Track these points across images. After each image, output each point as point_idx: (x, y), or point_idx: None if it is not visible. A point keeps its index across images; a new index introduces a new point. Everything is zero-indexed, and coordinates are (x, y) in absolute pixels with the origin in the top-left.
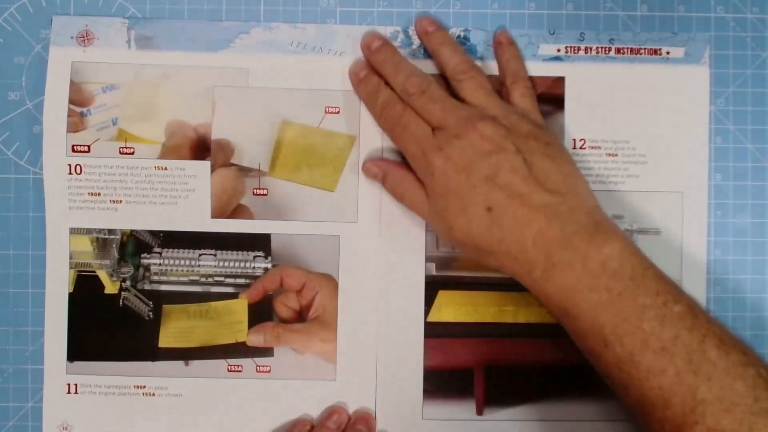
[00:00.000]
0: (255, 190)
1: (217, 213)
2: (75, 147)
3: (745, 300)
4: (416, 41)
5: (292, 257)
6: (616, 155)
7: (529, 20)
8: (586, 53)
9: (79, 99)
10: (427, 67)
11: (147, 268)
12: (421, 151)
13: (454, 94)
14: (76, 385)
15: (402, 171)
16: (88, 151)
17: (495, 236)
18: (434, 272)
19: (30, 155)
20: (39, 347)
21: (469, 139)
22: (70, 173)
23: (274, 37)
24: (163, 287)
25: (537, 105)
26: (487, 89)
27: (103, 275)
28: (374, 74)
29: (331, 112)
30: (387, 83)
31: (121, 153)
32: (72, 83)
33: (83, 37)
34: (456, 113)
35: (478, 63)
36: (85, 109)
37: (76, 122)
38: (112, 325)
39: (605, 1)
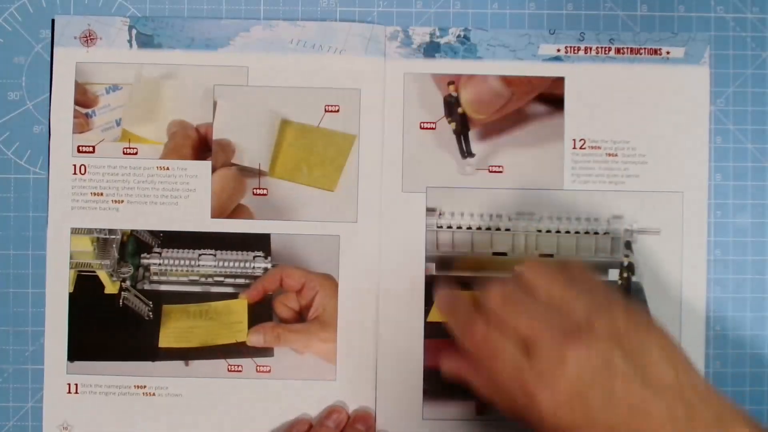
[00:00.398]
0: (255, 190)
1: (217, 213)
2: (80, 148)
3: (745, 300)
4: (416, 41)
5: (292, 257)
6: (616, 155)
7: (529, 20)
8: (586, 53)
9: (84, 100)
10: (427, 66)
11: (147, 268)
12: (518, 384)
13: None
14: (76, 385)
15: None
16: (93, 152)
17: None
18: (434, 272)
19: (30, 155)
20: (39, 347)
21: (573, 362)
22: (75, 173)
23: (274, 35)
24: (163, 287)
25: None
26: (557, 272)
27: (103, 275)
28: (458, 295)
29: (331, 111)
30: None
31: (124, 153)
32: (77, 84)
33: (86, 37)
34: (546, 322)
35: (478, 63)
36: (90, 110)
37: (81, 123)
38: (112, 325)
39: (605, 1)
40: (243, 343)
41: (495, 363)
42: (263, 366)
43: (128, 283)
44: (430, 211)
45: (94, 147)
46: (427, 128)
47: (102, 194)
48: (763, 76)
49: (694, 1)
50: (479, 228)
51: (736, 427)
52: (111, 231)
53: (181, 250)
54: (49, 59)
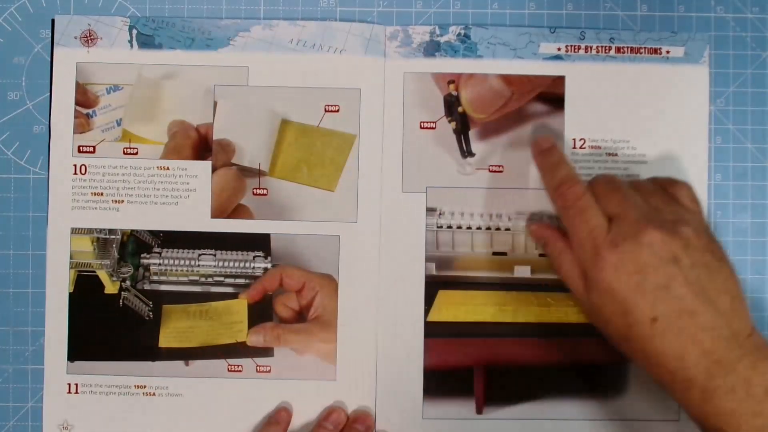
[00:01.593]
0: (255, 190)
1: (217, 213)
2: (81, 148)
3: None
4: (416, 40)
5: (292, 257)
6: (616, 155)
7: (529, 20)
8: (586, 52)
9: (84, 100)
10: (427, 65)
11: (147, 268)
12: (592, 242)
13: None
14: (76, 384)
15: (561, 243)
16: (93, 152)
17: (654, 347)
18: (434, 272)
19: (30, 155)
20: (39, 347)
21: (647, 240)
22: (75, 173)
23: (273, 35)
24: (163, 287)
25: (702, 206)
26: (664, 193)
27: (103, 275)
28: (558, 149)
29: (331, 111)
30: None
31: (125, 153)
32: (77, 85)
33: (86, 37)
34: (638, 208)
35: (478, 62)
36: (90, 110)
37: (82, 123)
38: (112, 325)
39: (605, 1)
40: (243, 343)
41: (580, 220)
42: (263, 366)
43: (128, 283)
44: (430, 210)
45: (94, 147)
46: (427, 128)
47: (102, 194)
48: (763, 76)
49: (694, 1)
50: (479, 228)
51: None
52: (111, 231)
53: (181, 250)
54: (49, 59)
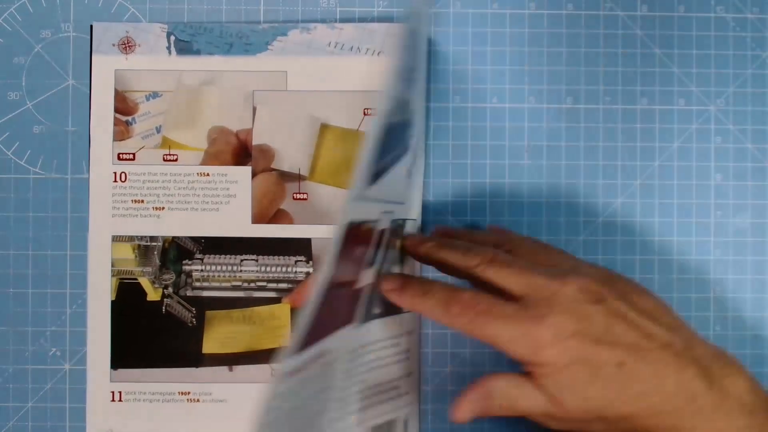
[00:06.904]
0: (295, 195)
1: (258, 218)
2: (120, 155)
3: (745, 300)
4: None
5: None
6: None
7: (530, 20)
8: None
9: (124, 108)
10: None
11: (189, 274)
12: (519, 332)
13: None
14: (120, 392)
15: (498, 380)
16: (133, 159)
17: (634, 391)
18: None
19: (30, 155)
20: (39, 347)
21: (568, 295)
22: (116, 181)
23: (311, 38)
24: (206, 293)
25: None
26: (543, 246)
27: (145, 282)
28: (413, 278)
29: (371, 114)
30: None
31: (164, 160)
32: (117, 92)
33: (125, 44)
34: (535, 272)
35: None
36: (130, 118)
37: (122, 131)
38: (155, 332)
39: (605, 1)
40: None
41: (490, 321)
42: None
43: (170, 289)
44: None
45: (134, 154)
46: None
47: (143, 201)
48: (763, 76)
49: (694, 1)
50: None
51: (733, 364)
52: (152, 238)
53: (222, 256)
54: (50, 60)
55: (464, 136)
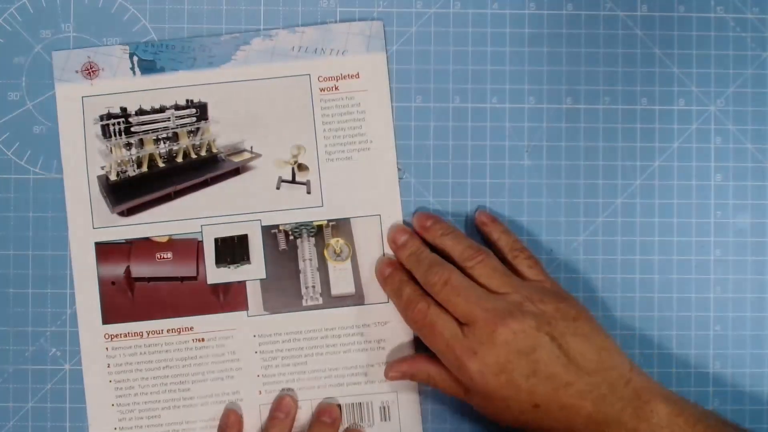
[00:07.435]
0: None
1: None
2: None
3: (745, 300)
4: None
5: None
6: None
7: (530, 20)
8: None
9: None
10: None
11: None
12: (453, 354)
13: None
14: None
15: (426, 367)
16: None
17: (544, 426)
18: None
19: (30, 155)
20: (38, 347)
21: (502, 338)
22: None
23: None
24: None
25: (545, 272)
26: (501, 270)
27: None
28: (399, 271)
29: None
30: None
31: None
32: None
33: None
34: (481, 305)
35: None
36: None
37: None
38: None
39: (605, 1)
40: None
41: (433, 334)
42: None
43: None
44: None
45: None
46: None
47: None
48: (763, 76)
49: (694, 1)
50: None
51: (652, 401)
52: None
53: None
54: (49, 59)
55: (464, 136)
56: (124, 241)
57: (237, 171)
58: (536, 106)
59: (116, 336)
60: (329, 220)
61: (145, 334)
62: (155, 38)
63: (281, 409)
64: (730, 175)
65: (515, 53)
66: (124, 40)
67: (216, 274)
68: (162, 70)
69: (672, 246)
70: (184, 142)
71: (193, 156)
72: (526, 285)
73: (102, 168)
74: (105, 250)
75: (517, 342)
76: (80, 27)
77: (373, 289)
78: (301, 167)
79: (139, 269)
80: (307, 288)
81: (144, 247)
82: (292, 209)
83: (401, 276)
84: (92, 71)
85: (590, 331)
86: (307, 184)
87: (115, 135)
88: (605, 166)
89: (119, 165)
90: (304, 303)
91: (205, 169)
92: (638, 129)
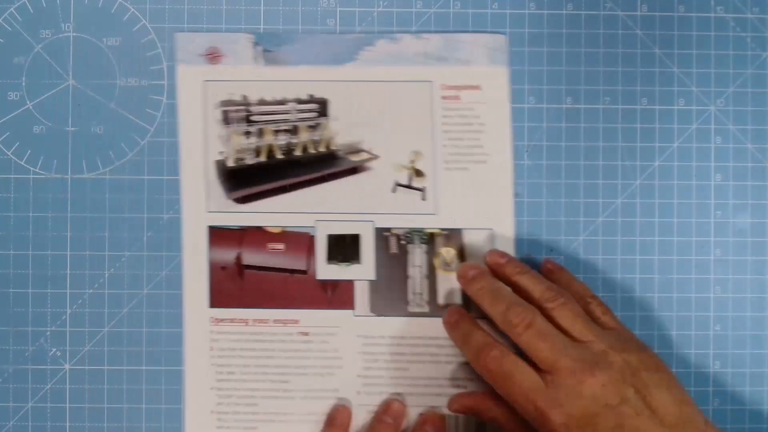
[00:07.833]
0: None
1: None
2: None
3: (745, 300)
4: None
5: None
6: None
7: (530, 20)
8: None
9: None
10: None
11: None
12: (533, 405)
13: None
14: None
15: (495, 410)
16: None
17: None
18: None
19: (30, 155)
20: (38, 347)
21: (590, 390)
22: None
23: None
24: None
25: (617, 319)
26: (582, 316)
27: None
28: (466, 318)
29: None
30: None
31: None
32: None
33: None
34: (568, 354)
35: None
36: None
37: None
38: None
39: (605, 1)
40: None
41: (511, 384)
42: None
43: None
44: None
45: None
46: None
47: None
48: (763, 76)
49: (694, 1)
50: None
51: None
52: None
53: None
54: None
55: None
56: (237, 227)
57: (354, 170)
58: (536, 106)
59: (222, 320)
60: (442, 229)
61: (250, 322)
62: (281, 29)
63: (390, 413)
64: (730, 174)
65: (515, 53)
66: (124, 39)
67: (326, 271)
68: (285, 62)
69: (672, 246)
70: (304, 136)
71: (312, 151)
72: (607, 333)
73: (220, 153)
74: (218, 235)
75: (606, 394)
76: (80, 27)
77: None
78: (418, 173)
79: (251, 257)
80: (414, 294)
81: (257, 235)
82: (405, 214)
83: (470, 323)
84: (216, 56)
85: (669, 382)
86: (423, 190)
87: (235, 122)
88: (605, 166)
89: (238, 152)
90: (409, 309)
91: (322, 165)
92: (638, 129)
